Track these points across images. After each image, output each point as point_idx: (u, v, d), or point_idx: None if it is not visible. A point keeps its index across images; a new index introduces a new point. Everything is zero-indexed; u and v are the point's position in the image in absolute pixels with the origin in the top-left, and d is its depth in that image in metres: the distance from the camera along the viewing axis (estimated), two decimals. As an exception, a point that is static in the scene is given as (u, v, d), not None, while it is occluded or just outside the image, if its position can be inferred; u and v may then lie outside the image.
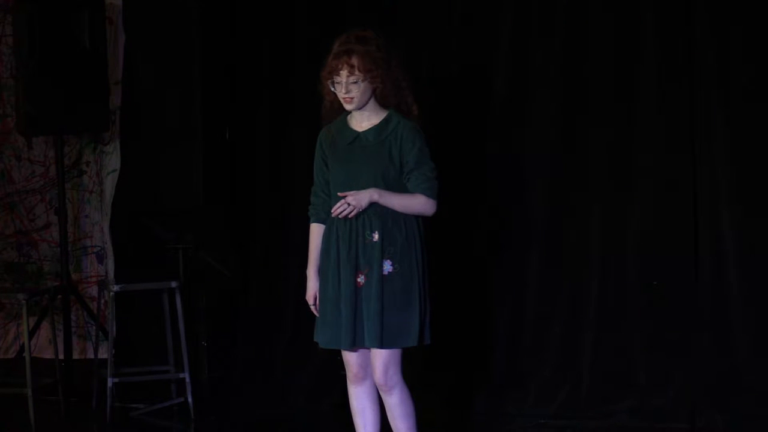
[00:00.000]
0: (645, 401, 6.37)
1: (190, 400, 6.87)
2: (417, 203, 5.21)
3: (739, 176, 6.24)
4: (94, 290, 7.62)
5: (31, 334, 7.01)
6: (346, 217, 5.16)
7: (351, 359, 5.30)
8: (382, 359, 5.21)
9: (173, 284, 6.86)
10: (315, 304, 5.33)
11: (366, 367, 5.31)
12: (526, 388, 6.56)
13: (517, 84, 6.59)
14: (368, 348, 5.23)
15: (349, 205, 5.13)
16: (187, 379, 6.86)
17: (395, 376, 5.25)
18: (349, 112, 5.28)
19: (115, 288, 6.81)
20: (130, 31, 7.32)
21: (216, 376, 7.16)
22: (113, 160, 7.56)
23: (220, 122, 7.19)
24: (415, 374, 5.51)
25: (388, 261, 5.18)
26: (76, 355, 7.47)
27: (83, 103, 7.10)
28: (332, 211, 5.18)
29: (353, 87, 5.17)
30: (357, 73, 5.15)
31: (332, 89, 5.21)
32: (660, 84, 6.34)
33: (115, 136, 7.51)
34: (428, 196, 5.21)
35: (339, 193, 5.17)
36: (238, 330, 7.23)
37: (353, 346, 5.22)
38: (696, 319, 6.32)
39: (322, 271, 5.30)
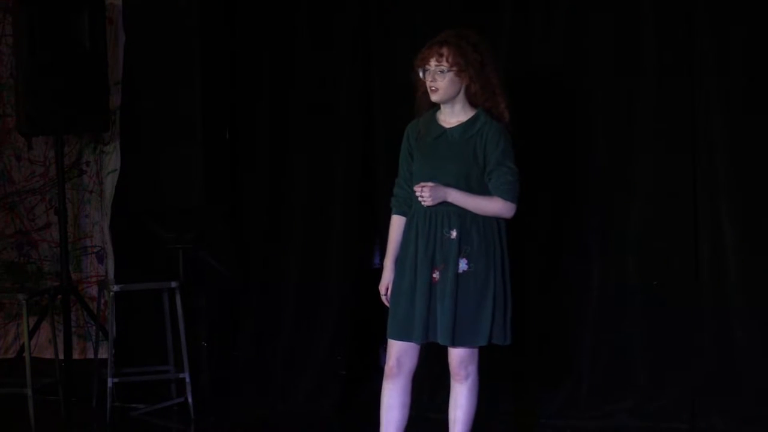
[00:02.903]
0: (645, 401, 6.38)
1: (190, 400, 6.87)
2: (493, 206, 5.26)
3: (739, 176, 6.24)
4: (94, 290, 7.62)
5: (31, 334, 7.01)
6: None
7: (392, 351, 5.33)
8: (458, 353, 5.29)
9: (173, 284, 6.87)
10: (386, 295, 5.37)
11: (404, 363, 5.34)
12: (526, 387, 6.56)
13: (516, 84, 6.59)
14: (440, 344, 5.28)
15: (423, 194, 5.19)
16: (187, 379, 6.86)
17: (470, 367, 5.35)
18: (439, 108, 5.33)
19: (115, 288, 6.82)
20: (130, 31, 7.31)
21: (216, 376, 7.16)
22: (113, 160, 7.55)
23: (220, 122, 7.18)
24: (415, 374, 5.51)
25: (464, 260, 5.22)
26: (76, 355, 7.46)
27: (83, 103, 7.10)
28: (414, 188, 5.24)
29: (439, 77, 5.23)
30: (444, 63, 5.22)
31: (422, 77, 5.26)
32: (660, 84, 6.35)
33: (115, 136, 7.50)
34: (505, 199, 5.26)
35: (422, 183, 5.21)
36: (238, 330, 7.23)
37: (425, 341, 5.26)
38: (696, 319, 6.32)
39: (399, 264, 5.35)
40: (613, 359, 6.46)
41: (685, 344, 6.33)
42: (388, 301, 5.40)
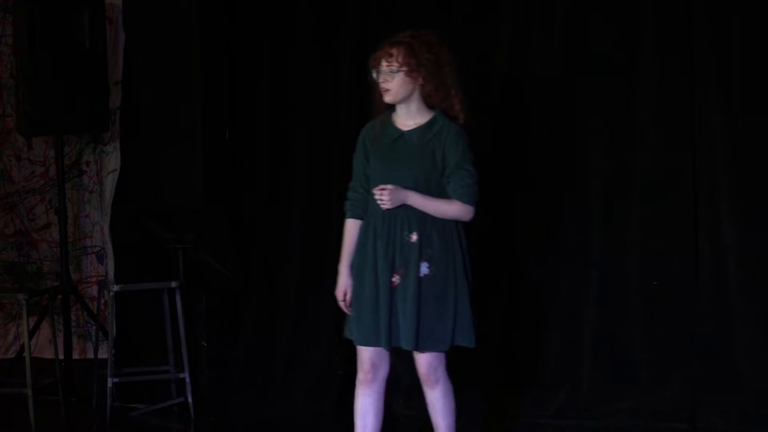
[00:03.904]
0: (645, 401, 6.38)
1: (190, 400, 6.87)
2: (452, 209, 5.22)
3: (739, 176, 6.24)
4: (94, 290, 7.62)
5: (31, 334, 7.02)
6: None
7: (365, 357, 5.29)
8: (426, 359, 5.25)
9: (173, 284, 6.87)
10: (344, 300, 5.33)
11: (378, 369, 5.30)
12: (526, 388, 6.57)
13: (515, 84, 6.60)
14: (403, 349, 5.24)
15: (383, 197, 5.14)
16: (187, 379, 6.86)
17: (439, 370, 5.29)
18: (395, 110, 5.29)
19: (115, 288, 6.82)
20: (130, 31, 7.31)
21: (216, 376, 7.16)
22: (113, 160, 7.55)
23: (220, 122, 7.19)
24: (414, 374, 5.51)
25: (425, 263, 5.18)
26: (76, 355, 7.47)
27: (83, 103, 7.10)
28: (373, 191, 5.19)
29: (389, 77, 5.19)
30: (394, 63, 5.18)
31: (375, 78, 5.24)
32: (660, 84, 6.35)
33: (115, 136, 7.51)
34: (464, 202, 5.21)
35: (381, 186, 5.16)
36: (238, 330, 7.23)
37: (390, 346, 5.23)
38: (696, 319, 6.32)
39: (357, 269, 5.30)
40: (613, 359, 6.45)
41: (685, 344, 6.33)
42: (346, 307, 5.33)
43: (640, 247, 6.40)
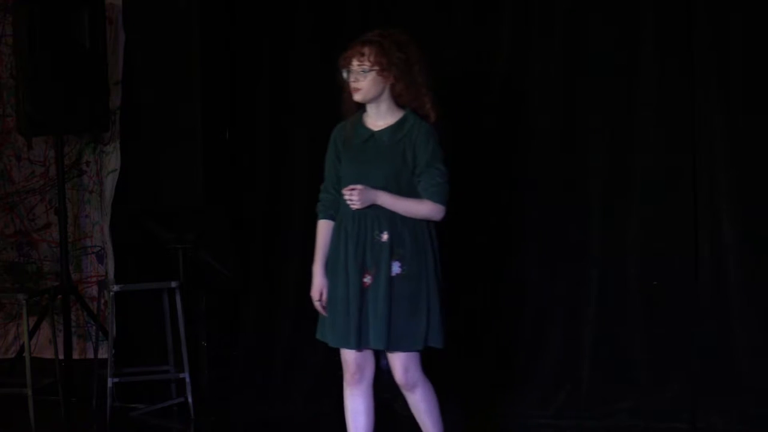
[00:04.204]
0: (645, 401, 6.38)
1: (190, 400, 6.87)
2: (423, 209, 5.19)
3: (739, 176, 6.24)
4: (94, 290, 7.62)
5: (31, 334, 7.02)
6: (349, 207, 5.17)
7: (349, 359, 5.28)
8: (400, 359, 5.22)
9: (173, 284, 6.87)
10: (320, 300, 5.32)
11: (364, 369, 5.29)
12: (526, 388, 6.56)
13: (516, 85, 6.60)
14: (373, 349, 5.23)
15: (352, 198, 5.13)
16: (187, 379, 6.86)
17: (416, 373, 5.26)
18: (365, 110, 5.28)
19: (115, 288, 6.82)
20: (130, 31, 7.31)
21: (216, 376, 7.16)
22: (113, 160, 7.55)
23: (220, 122, 7.18)
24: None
25: (397, 262, 5.17)
26: (76, 355, 7.47)
27: (83, 103, 7.10)
28: (343, 191, 5.17)
29: (361, 77, 5.17)
30: (366, 63, 5.16)
31: (345, 78, 5.22)
32: (660, 84, 6.35)
33: (115, 136, 7.50)
34: (435, 201, 5.19)
35: (351, 186, 5.15)
36: (238, 330, 7.23)
37: (360, 347, 5.21)
38: (696, 319, 6.32)
39: (331, 269, 5.28)
40: (613, 359, 6.45)
41: (685, 344, 6.33)
42: (322, 307, 5.31)
43: (640, 247, 6.40)
